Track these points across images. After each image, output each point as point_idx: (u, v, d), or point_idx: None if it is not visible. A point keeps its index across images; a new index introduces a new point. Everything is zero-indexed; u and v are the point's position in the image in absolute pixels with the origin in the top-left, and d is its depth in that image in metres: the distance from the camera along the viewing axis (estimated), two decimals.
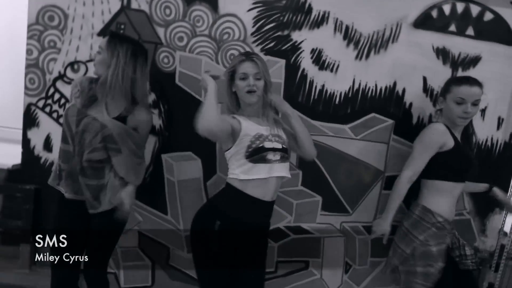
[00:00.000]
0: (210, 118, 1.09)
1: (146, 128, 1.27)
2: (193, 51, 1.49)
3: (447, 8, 1.50)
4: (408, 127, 1.56)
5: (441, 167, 1.37)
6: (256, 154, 1.15)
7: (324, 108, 1.55)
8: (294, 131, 1.27)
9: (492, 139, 1.59)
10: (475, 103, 1.35)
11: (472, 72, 1.51)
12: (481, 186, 1.52)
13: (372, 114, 1.55)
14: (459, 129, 1.41)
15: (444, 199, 1.39)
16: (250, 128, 1.18)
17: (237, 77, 1.19)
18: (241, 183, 1.17)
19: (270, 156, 1.16)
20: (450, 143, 1.34)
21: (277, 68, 1.50)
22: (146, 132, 1.29)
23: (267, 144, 1.16)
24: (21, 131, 1.55)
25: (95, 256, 1.24)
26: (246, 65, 1.18)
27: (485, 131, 1.58)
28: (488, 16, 1.52)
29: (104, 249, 1.29)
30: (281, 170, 1.20)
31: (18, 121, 1.59)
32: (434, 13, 1.51)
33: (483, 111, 1.56)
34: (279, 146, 1.19)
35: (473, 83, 1.35)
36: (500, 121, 1.58)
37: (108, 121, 1.16)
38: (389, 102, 1.55)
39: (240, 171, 1.17)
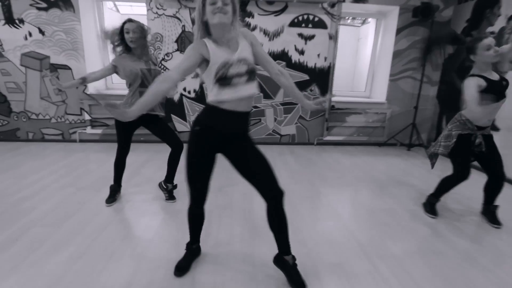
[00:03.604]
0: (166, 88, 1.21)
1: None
2: None
3: (300, 17, 4.04)
4: (291, 65, 4.15)
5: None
6: (222, 80, 1.25)
7: None
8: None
9: (323, 66, 4.22)
10: (496, 46, 1.83)
11: (311, 41, 4.11)
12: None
13: (277, 61, 4.14)
14: (490, 69, 1.88)
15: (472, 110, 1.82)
16: (218, 56, 1.24)
17: (207, 3, 1.22)
18: (215, 102, 1.29)
19: (236, 80, 1.26)
20: (483, 83, 1.82)
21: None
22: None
23: (231, 71, 1.24)
24: None
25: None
26: None
27: (320, 63, 4.20)
28: (316, 18, 4.07)
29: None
30: (248, 89, 1.30)
31: None
32: (296, 20, 4.05)
33: (318, 55, 4.18)
34: (244, 69, 1.27)
35: (488, 36, 1.86)
36: (325, 58, 4.21)
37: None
38: (283, 55, 4.14)
39: (212, 93, 1.28)
